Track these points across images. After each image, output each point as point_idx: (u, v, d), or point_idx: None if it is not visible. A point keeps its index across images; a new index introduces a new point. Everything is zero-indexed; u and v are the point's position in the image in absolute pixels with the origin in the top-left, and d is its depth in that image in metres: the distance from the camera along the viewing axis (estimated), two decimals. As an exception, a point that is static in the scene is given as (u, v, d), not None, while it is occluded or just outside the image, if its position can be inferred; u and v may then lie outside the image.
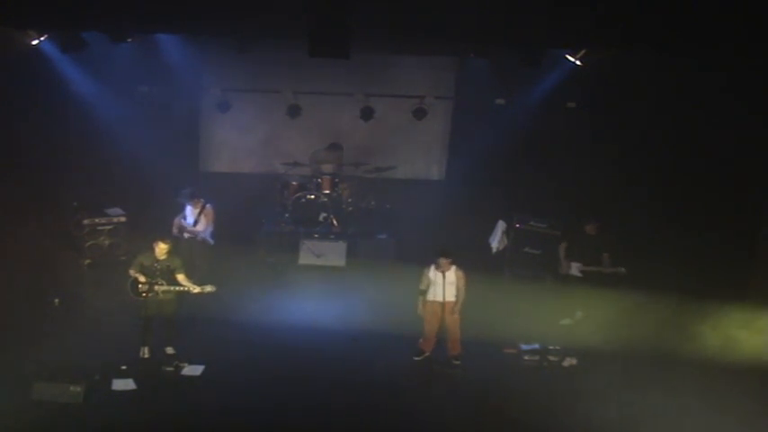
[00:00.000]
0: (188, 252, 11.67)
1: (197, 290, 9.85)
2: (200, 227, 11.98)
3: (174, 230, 11.89)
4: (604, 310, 11.00)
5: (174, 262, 9.96)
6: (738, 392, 9.63)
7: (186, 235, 11.96)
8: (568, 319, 11.34)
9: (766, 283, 10.44)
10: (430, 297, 10.10)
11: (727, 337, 10.29)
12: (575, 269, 11.10)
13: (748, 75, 10.26)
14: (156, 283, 9.81)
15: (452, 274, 10.00)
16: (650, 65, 11.94)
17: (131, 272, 9.91)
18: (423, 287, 10.13)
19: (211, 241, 12.10)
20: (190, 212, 12.04)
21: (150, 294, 9.81)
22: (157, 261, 9.86)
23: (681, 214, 11.71)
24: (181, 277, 9.91)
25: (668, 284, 11.09)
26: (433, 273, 10.04)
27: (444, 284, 9.96)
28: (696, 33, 9.55)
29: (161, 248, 9.86)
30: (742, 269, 10.84)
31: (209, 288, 9.88)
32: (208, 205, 12.08)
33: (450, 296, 10.03)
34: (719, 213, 11.08)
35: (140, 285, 9.80)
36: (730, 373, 9.87)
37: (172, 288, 9.84)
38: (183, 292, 9.89)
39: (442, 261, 9.95)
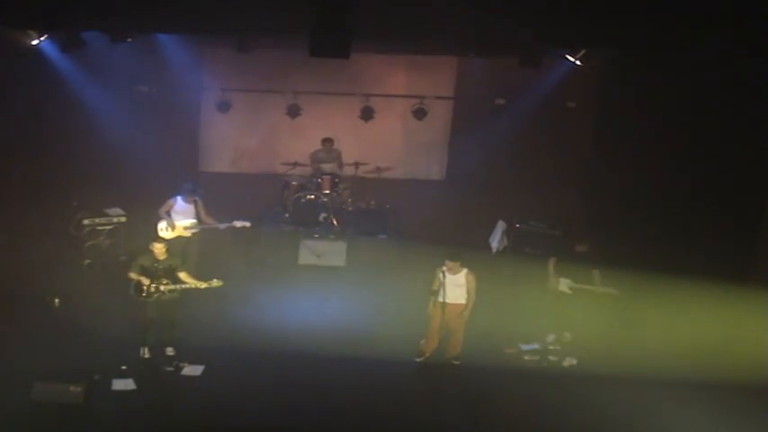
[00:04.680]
0: (182, 249, 11.71)
1: (204, 285, 9.80)
2: (210, 219, 11.97)
3: (168, 232, 11.77)
4: (597, 325, 10.96)
5: (174, 261, 9.96)
6: (739, 389, 9.63)
7: (191, 232, 11.92)
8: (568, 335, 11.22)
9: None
10: (439, 298, 10.10)
11: (727, 330, 10.28)
12: (564, 285, 10.93)
13: (748, 72, 10.25)
14: (162, 284, 9.80)
15: (462, 276, 9.98)
16: (650, 65, 11.93)
17: (132, 275, 9.84)
18: (434, 288, 10.12)
19: (248, 223, 12.06)
20: (183, 209, 11.97)
21: (156, 295, 9.80)
22: (158, 261, 9.85)
23: (680, 214, 11.70)
24: (183, 275, 9.89)
25: (667, 280, 11.06)
26: (442, 274, 10.04)
27: (448, 286, 9.94)
28: (696, 33, 9.56)
29: (159, 248, 9.86)
30: (742, 270, 10.82)
31: (215, 282, 9.82)
32: (199, 200, 12.05)
33: (454, 298, 9.98)
34: (720, 213, 11.06)
35: (144, 287, 9.77)
36: (731, 367, 9.87)
37: (178, 287, 9.83)
38: (190, 289, 9.85)
39: (448, 263, 9.94)
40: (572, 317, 10.86)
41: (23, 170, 12.31)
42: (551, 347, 10.62)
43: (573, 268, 10.80)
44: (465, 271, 10.00)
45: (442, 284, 9.95)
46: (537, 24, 9.86)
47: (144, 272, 9.83)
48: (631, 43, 10.32)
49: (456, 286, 9.95)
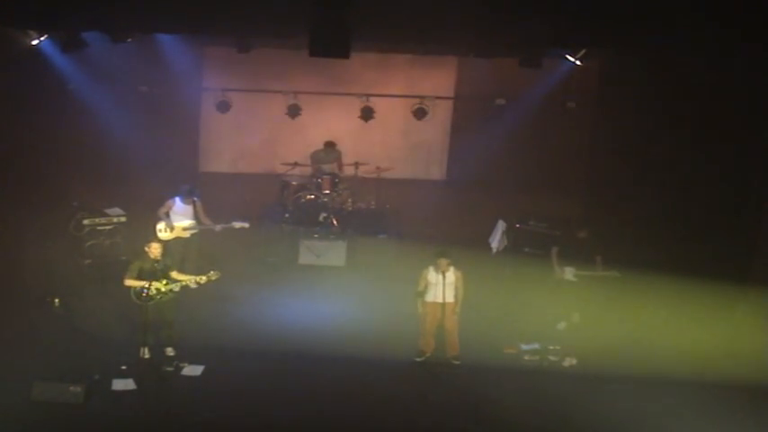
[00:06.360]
0: (182, 250, 11.72)
1: (203, 279, 9.88)
2: (209, 220, 11.97)
3: (167, 233, 11.74)
4: (602, 312, 11.00)
5: (168, 260, 10.00)
6: (739, 389, 9.64)
7: (190, 233, 11.91)
8: (564, 323, 11.28)
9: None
10: (429, 298, 10.08)
11: (727, 330, 10.28)
12: (569, 273, 11.02)
13: (748, 72, 10.26)
14: (162, 284, 9.79)
15: (451, 274, 9.99)
16: (650, 65, 11.94)
17: (131, 282, 9.77)
18: (420, 288, 10.12)
19: (246, 224, 12.04)
20: (182, 210, 11.97)
21: (158, 297, 9.79)
22: (157, 261, 9.85)
23: (680, 214, 11.70)
24: (175, 273, 9.94)
25: (667, 281, 11.07)
26: (432, 274, 10.02)
27: (444, 285, 9.95)
28: (696, 33, 9.57)
29: (155, 248, 9.85)
30: (742, 270, 10.83)
31: (213, 275, 9.90)
32: (197, 200, 12.05)
33: (450, 297, 10.01)
34: (720, 213, 11.07)
35: (146, 291, 9.75)
36: (731, 367, 9.87)
37: (178, 285, 9.83)
38: (189, 287, 9.86)
39: (442, 262, 9.93)
40: (579, 304, 10.97)
41: (24, 170, 12.30)
42: (551, 347, 10.62)
43: (576, 257, 10.90)
44: (453, 268, 10.00)
45: (440, 284, 9.95)
46: (537, 25, 9.86)
47: (144, 274, 9.82)
48: (631, 43, 10.30)
49: (448, 285, 9.97)
